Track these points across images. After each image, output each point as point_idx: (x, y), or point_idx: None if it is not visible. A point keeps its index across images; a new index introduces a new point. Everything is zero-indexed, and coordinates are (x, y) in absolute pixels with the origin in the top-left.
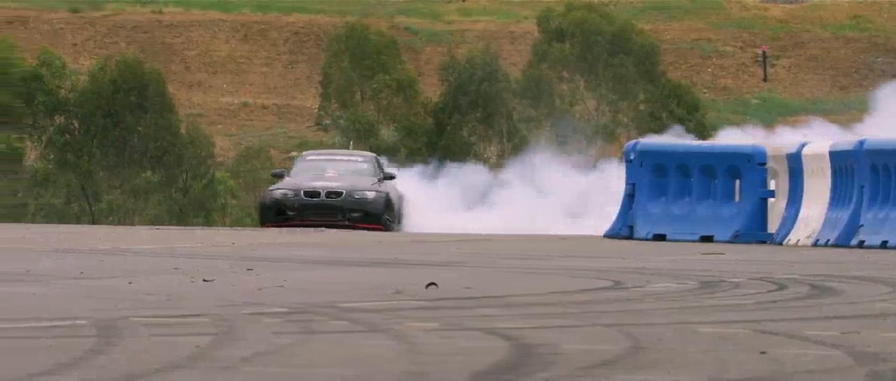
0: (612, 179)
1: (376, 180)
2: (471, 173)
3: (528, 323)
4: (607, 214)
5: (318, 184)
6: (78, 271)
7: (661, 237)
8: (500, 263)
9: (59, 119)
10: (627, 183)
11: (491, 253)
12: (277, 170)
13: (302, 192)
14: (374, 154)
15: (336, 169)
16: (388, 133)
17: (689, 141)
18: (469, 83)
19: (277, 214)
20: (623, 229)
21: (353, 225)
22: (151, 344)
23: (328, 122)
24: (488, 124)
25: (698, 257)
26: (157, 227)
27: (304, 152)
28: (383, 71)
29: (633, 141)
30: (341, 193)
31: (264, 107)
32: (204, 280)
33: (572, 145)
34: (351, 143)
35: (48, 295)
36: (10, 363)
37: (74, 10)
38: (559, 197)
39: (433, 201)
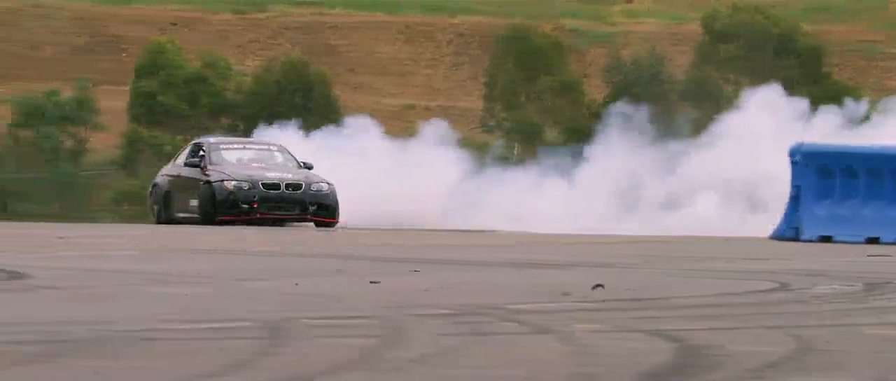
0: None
1: (304, 170)
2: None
3: (695, 325)
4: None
5: (274, 175)
6: (244, 273)
7: (826, 239)
8: (665, 264)
9: (225, 120)
10: (793, 185)
11: (655, 255)
12: (192, 159)
13: (260, 183)
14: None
15: (260, 159)
16: (552, 135)
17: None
18: (634, 85)
19: (231, 207)
20: (788, 231)
21: (311, 220)
22: (318, 346)
23: (493, 123)
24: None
25: (864, 258)
26: (321, 228)
27: (207, 139)
28: (548, 72)
29: (798, 142)
30: (301, 185)
31: (429, 109)
32: (370, 282)
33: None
34: (516, 146)
35: (215, 296)
36: (179, 365)
37: (239, 12)
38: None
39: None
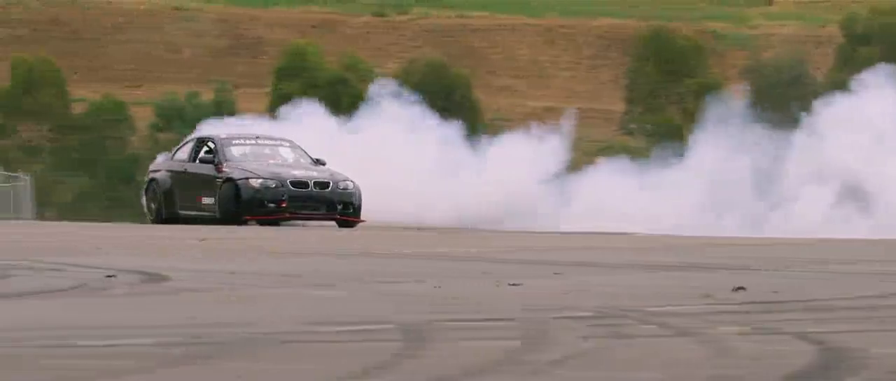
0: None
1: (325, 167)
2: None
3: (837, 327)
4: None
5: (300, 173)
6: (382, 275)
7: None
8: (808, 267)
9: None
10: None
11: (795, 258)
12: (207, 156)
13: (288, 182)
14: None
15: (273, 155)
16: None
17: None
18: (775, 87)
19: (257, 206)
20: None
21: (338, 219)
22: (460, 348)
23: (633, 126)
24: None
25: None
26: (461, 230)
27: (216, 134)
28: (689, 75)
29: None
30: (328, 183)
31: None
32: (510, 284)
33: None
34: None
35: (355, 299)
36: (322, 367)
37: (380, 15)
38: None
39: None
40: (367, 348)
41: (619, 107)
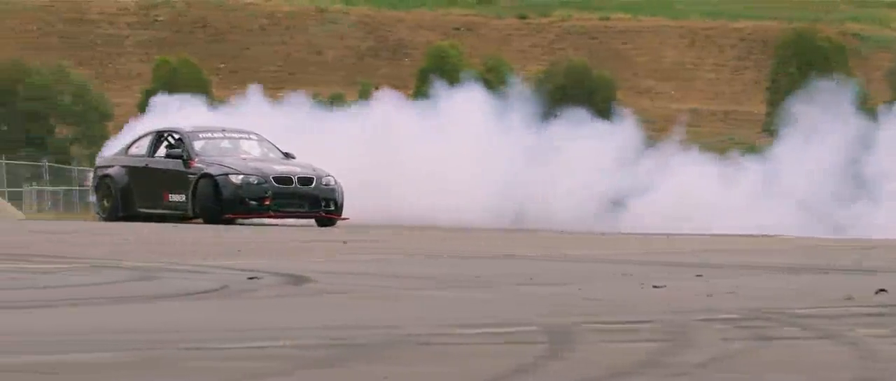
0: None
1: (305, 161)
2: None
3: None
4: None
5: (282, 168)
6: (527, 278)
7: None
8: None
9: None
10: None
11: None
12: (174, 151)
13: (271, 178)
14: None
15: (243, 149)
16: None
17: None
18: None
19: (238, 203)
20: None
21: (322, 216)
22: (603, 350)
23: (774, 127)
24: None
25: None
26: (602, 234)
27: (180, 127)
28: (831, 77)
29: None
30: (311, 179)
31: (712, 113)
32: (654, 286)
33: None
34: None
35: (496, 301)
36: (465, 369)
37: (522, 18)
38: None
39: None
40: (511, 350)
41: (762, 109)
